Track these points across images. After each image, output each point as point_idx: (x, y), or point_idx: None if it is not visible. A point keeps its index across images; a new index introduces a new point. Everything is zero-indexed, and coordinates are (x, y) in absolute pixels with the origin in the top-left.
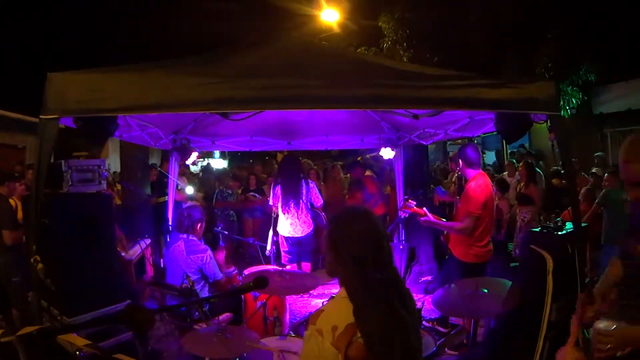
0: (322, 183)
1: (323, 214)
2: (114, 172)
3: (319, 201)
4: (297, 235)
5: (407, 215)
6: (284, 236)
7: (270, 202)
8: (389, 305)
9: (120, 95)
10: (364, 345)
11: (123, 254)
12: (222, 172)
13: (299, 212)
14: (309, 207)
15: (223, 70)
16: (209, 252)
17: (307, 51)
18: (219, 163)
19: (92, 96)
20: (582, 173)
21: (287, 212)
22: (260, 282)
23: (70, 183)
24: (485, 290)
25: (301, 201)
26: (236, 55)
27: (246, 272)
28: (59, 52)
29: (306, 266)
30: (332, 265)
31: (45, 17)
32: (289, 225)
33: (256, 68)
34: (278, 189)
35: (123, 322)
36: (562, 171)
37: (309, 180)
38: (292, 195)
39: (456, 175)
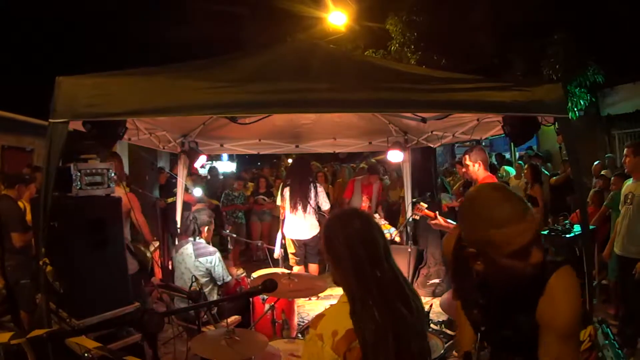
0: (329, 186)
1: None
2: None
3: (326, 205)
4: (303, 238)
5: (417, 218)
6: (291, 238)
7: (279, 204)
8: (387, 307)
9: (128, 99)
10: (360, 350)
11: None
12: (229, 176)
13: (307, 215)
14: (317, 210)
15: (230, 74)
16: (217, 254)
17: (314, 54)
18: (227, 166)
19: (101, 100)
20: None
21: (295, 215)
22: (269, 285)
23: (79, 186)
24: None
25: (309, 204)
26: (243, 59)
27: (255, 275)
28: (67, 55)
29: (313, 267)
30: (331, 268)
31: (54, 20)
32: (296, 227)
33: (263, 72)
34: (286, 191)
35: (133, 325)
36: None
37: (317, 184)
38: (300, 198)
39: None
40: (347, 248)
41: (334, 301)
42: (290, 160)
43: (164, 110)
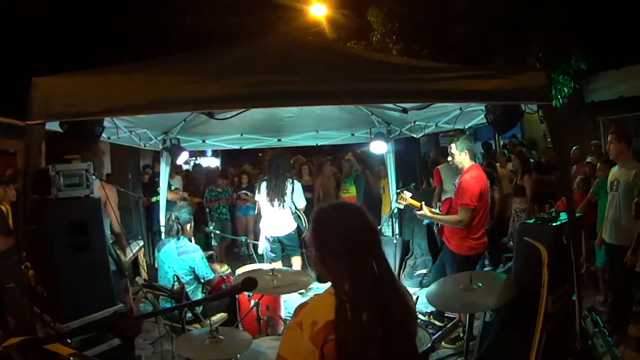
0: (314, 179)
1: (304, 216)
2: (107, 175)
3: (301, 203)
4: (277, 234)
5: (401, 207)
6: (265, 236)
7: (257, 199)
8: (379, 305)
9: (104, 97)
10: (336, 346)
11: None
12: (212, 171)
13: (282, 212)
14: (293, 208)
15: (207, 68)
16: (200, 251)
17: (292, 47)
18: (211, 162)
19: (76, 99)
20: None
21: (271, 211)
22: (249, 283)
23: (59, 188)
24: (480, 284)
25: (284, 201)
26: (220, 54)
27: (239, 271)
28: (48, 56)
29: (296, 259)
30: (319, 263)
31: (33, 20)
32: (271, 223)
33: (240, 66)
34: (263, 186)
35: (109, 330)
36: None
37: (295, 180)
38: (276, 194)
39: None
40: (345, 241)
41: None
42: None
43: (140, 108)
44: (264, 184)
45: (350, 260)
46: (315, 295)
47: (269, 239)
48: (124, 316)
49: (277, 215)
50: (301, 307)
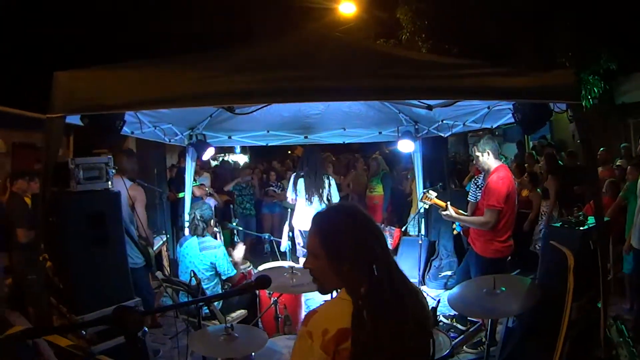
0: (341, 177)
1: None
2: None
3: (336, 198)
4: None
5: (426, 206)
6: (299, 229)
7: (288, 196)
8: (394, 307)
9: (123, 91)
10: (351, 354)
11: None
12: (237, 168)
13: (320, 207)
14: (328, 203)
15: (227, 64)
16: (222, 248)
17: (317, 44)
18: (239, 158)
19: (96, 94)
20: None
21: (309, 207)
22: (262, 281)
23: (78, 181)
24: (504, 289)
25: (322, 196)
26: (244, 50)
27: (260, 268)
28: (77, 50)
29: None
30: (329, 271)
31: (60, 17)
32: (308, 218)
33: (263, 61)
34: (300, 182)
35: (111, 325)
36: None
37: (330, 176)
38: (316, 189)
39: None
40: (360, 243)
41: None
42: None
43: (158, 102)
44: (301, 180)
45: (365, 263)
46: (325, 301)
47: (302, 234)
48: (127, 311)
49: (315, 211)
50: (310, 314)
